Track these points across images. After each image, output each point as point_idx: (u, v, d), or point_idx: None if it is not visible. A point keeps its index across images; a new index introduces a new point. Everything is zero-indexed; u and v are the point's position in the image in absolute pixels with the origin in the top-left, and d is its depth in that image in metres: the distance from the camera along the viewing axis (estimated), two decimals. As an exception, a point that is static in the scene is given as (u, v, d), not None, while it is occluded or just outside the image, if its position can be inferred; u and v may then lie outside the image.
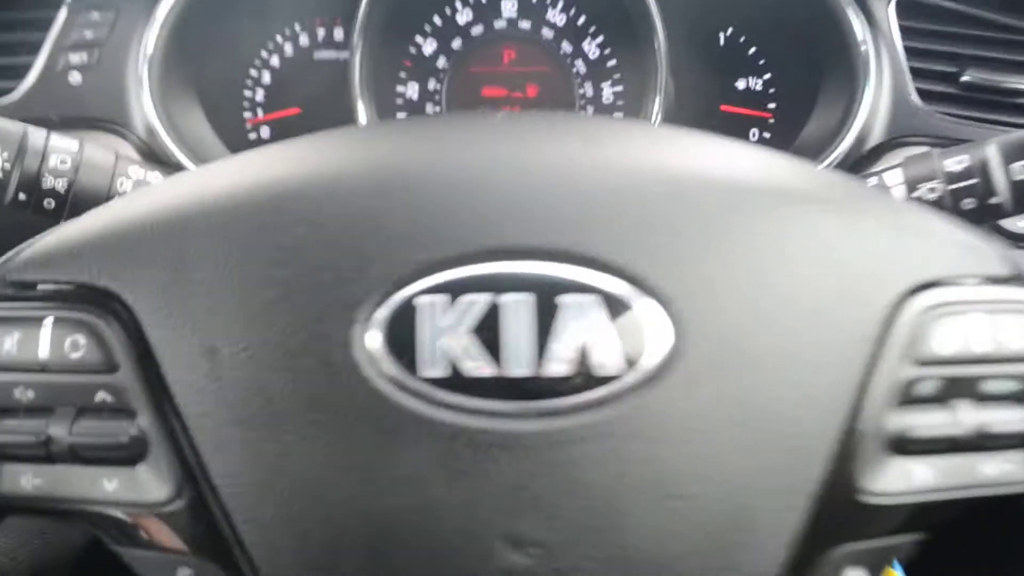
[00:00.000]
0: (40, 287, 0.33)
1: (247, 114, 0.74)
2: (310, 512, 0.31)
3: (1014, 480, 0.33)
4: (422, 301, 0.30)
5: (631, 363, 0.30)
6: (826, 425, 0.31)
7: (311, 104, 0.76)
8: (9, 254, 0.35)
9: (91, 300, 0.33)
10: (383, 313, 0.31)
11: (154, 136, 0.65)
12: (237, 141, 0.74)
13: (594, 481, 0.30)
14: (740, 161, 0.35)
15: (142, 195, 0.35)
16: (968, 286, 0.33)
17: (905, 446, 0.32)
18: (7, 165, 0.47)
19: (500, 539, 0.31)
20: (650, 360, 0.31)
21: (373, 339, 0.31)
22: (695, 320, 0.31)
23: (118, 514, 0.33)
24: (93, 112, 0.64)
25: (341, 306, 0.31)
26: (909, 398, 0.32)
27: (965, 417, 0.32)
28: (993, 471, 0.32)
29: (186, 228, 0.32)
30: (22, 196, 0.48)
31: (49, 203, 0.48)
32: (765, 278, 0.31)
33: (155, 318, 0.32)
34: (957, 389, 0.32)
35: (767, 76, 0.76)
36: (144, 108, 0.65)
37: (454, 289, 0.30)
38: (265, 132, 0.76)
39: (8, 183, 0.47)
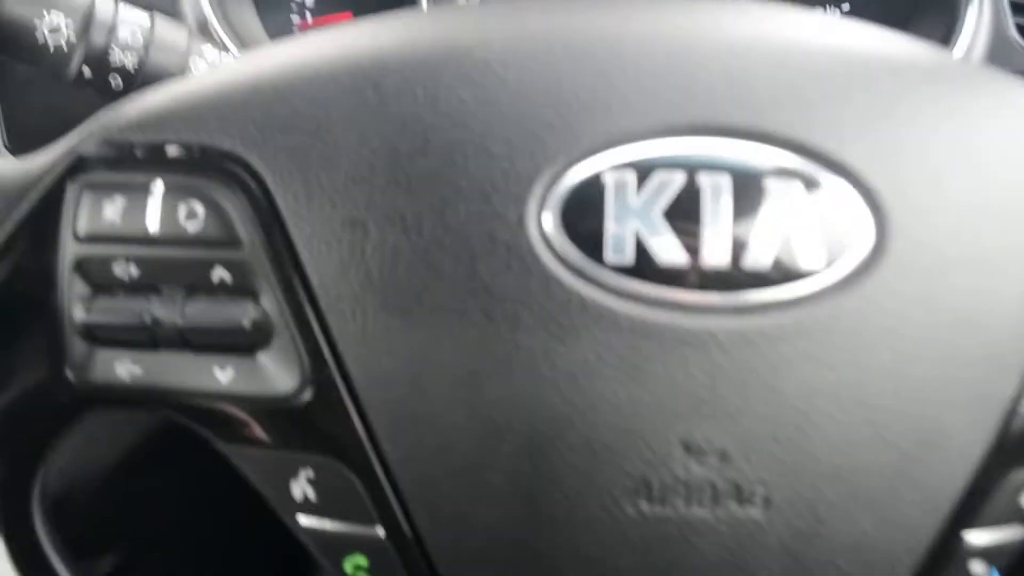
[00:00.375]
0: (148, 150, 0.29)
1: (295, 17, 0.69)
2: (460, 409, 0.28)
3: None
4: (609, 176, 0.27)
5: (832, 259, 0.27)
6: (1021, 334, 0.29)
7: (363, 7, 0.71)
8: (105, 113, 0.31)
9: (210, 166, 0.29)
10: (563, 189, 0.27)
11: (206, 29, 0.60)
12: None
13: (785, 387, 0.27)
14: (920, 48, 0.31)
15: (265, 54, 0.31)
16: None
17: None
18: (72, 36, 0.42)
19: (677, 445, 0.27)
20: (853, 257, 0.27)
21: (550, 218, 0.27)
22: (901, 216, 0.28)
23: (231, 408, 0.29)
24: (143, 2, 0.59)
25: (515, 179, 0.27)
26: None
27: None
28: None
29: (328, 85, 0.28)
30: (87, 72, 0.43)
31: (116, 81, 0.43)
32: (971, 173, 0.28)
33: (289, 186, 0.28)
34: None
35: (846, 7, 0.73)
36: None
37: (644, 165, 0.27)
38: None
39: (72, 56, 0.42)
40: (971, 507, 0.30)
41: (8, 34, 0.41)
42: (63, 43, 0.42)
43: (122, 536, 0.43)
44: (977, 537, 0.30)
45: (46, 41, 0.41)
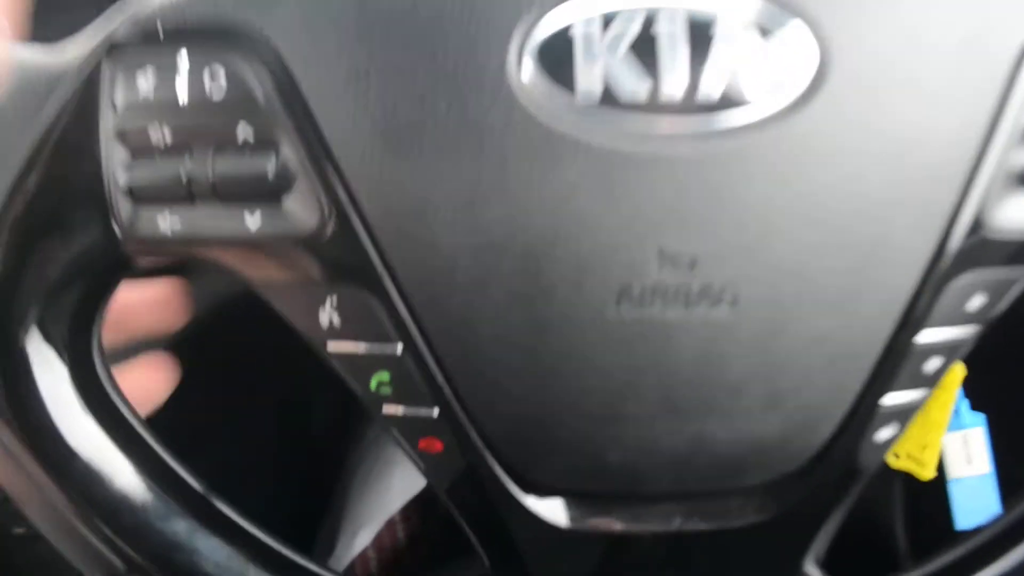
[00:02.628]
0: (173, 28, 0.33)
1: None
2: (461, 233, 0.32)
3: None
4: (577, 24, 0.30)
5: (779, 86, 0.31)
6: (961, 153, 0.32)
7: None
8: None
9: (230, 37, 0.32)
10: (538, 36, 0.30)
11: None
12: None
13: (744, 201, 0.31)
14: None
15: None
16: None
17: None
18: None
19: (653, 253, 0.31)
20: (798, 84, 0.31)
21: (529, 62, 0.31)
22: (841, 40, 0.31)
23: (262, 249, 0.33)
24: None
25: (495, 29, 0.30)
26: None
27: None
28: None
29: None
30: None
31: None
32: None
33: (298, 47, 0.32)
34: None
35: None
36: None
37: (609, 11, 0.30)
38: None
39: None
40: (921, 308, 0.33)
41: None
42: None
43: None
44: (929, 336, 0.34)
45: None
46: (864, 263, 0.32)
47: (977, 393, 0.58)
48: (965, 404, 0.58)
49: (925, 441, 0.53)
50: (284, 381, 0.74)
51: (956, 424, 0.57)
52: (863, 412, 0.35)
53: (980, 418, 0.57)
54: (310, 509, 0.76)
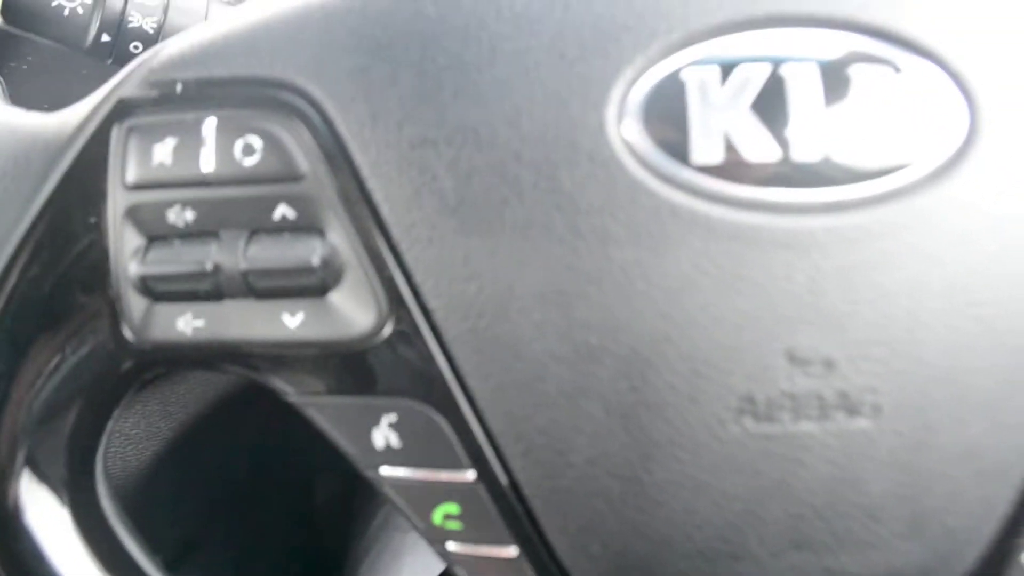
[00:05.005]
0: (197, 86, 0.28)
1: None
2: (550, 334, 0.26)
3: None
4: (690, 74, 0.25)
5: (927, 149, 0.26)
6: None
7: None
8: (146, 54, 0.29)
9: (265, 97, 0.27)
10: (643, 90, 0.25)
11: None
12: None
13: (889, 286, 0.26)
14: None
15: None
16: None
17: None
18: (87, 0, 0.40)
19: (781, 356, 0.26)
20: (948, 145, 0.26)
21: (632, 121, 0.25)
22: (993, 99, 0.26)
23: (304, 356, 0.28)
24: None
25: (591, 83, 0.25)
26: None
27: None
28: None
29: (381, 4, 0.27)
30: (105, 37, 0.41)
31: (136, 47, 0.42)
32: None
33: (351, 110, 0.26)
34: None
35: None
36: None
37: (726, 60, 0.26)
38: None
39: (90, 23, 0.41)
40: None
41: (23, 3, 0.40)
42: (79, 7, 0.40)
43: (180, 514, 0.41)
44: None
45: (61, 5, 0.40)
46: (1022, 358, 0.27)
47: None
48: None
49: None
50: (286, 463, 0.68)
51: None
52: (1012, 533, 0.29)
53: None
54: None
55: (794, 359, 0.26)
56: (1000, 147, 0.26)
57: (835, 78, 0.26)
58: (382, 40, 0.26)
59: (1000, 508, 0.29)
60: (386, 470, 0.28)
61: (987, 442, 0.28)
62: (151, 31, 0.41)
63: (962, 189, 0.26)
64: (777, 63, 0.26)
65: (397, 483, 0.28)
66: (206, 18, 0.43)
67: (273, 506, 0.71)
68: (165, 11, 0.42)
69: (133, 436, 0.52)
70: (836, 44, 0.26)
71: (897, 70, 0.26)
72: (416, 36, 0.26)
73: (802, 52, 0.26)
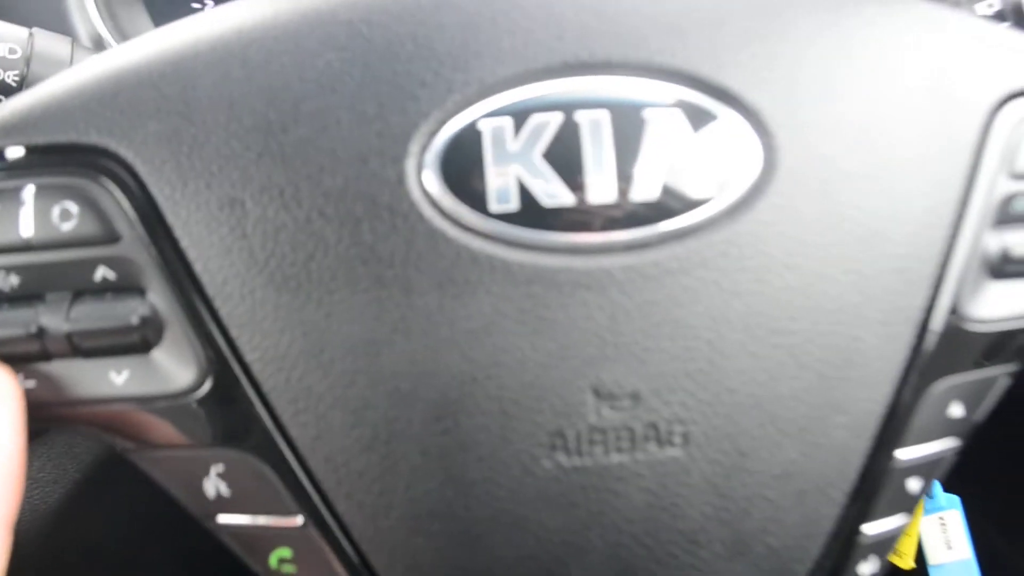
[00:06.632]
0: (11, 154, 0.28)
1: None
2: (362, 381, 0.27)
3: None
4: (485, 125, 0.26)
5: (722, 186, 0.27)
6: (928, 245, 0.28)
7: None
8: None
9: (80, 162, 0.28)
10: (440, 143, 0.26)
11: (101, 46, 0.58)
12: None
13: (690, 320, 0.27)
14: None
15: (124, 46, 0.30)
16: None
17: (1005, 268, 0.29)
18: None
19: (587, 392, 0.27)
20: (743, 180, 0.27)
21: (431, 174, 0.26)
22: (787, 134, 0.27)
23: (132, 411, 0.28)
24: (33, 22, 0.57)
25: (390, 138, 0.26)
26: (1008, 216, 0.29)
27: None
28: None
29: (193, 65, 0.27)
30: None
31: None
32: (857, 86, 0.28)
33: (162, 172, 0.27)
34: None
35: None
36: (89, 14, 0.58)
37: (519, 110, 0.26)
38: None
39: None
40: (898, 424, 0.29)
41: None
42: None
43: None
44: (908, 453, 0.30)
45: None
46: (830, 380, 0.28)
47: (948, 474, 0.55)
48: (938, 486, 0.55)
49: (901, 530, 0.50)
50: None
51: (932, 507, 0.53)
52: (841, 548, 0.30)
53: (955, 500, 0.54)
54: None
55: (600, 394, 0.27)
56: (795, 181, 0.27)
57: (628, 122, 0.26)
58: (191, 103, 0.27)
59: (824, 525, 0.30)
60: (222, 518, 0.28)
61: (804, 464, 0.29)
62: (14, 84, 0.42)
63: (759, 223, 0.27)
64: (570, 110, 0.26)
65: (232, 531, 0.29)
66: (71, 64, 0.43)
67: (191, 542, 0.71)
68: (28, 63, 0.42)
69: (40, 480, 0.52)
70: (629, 89, 0.27)
71: (689, 111, 0.27)
72: (223, 99, 0.27)
73: (595, 98, 0.27)
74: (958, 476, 0.54)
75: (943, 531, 0.52)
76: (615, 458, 0.27)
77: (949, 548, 0.52)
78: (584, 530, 0.28)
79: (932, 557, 0.55)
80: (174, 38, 0.29)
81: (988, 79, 0.29)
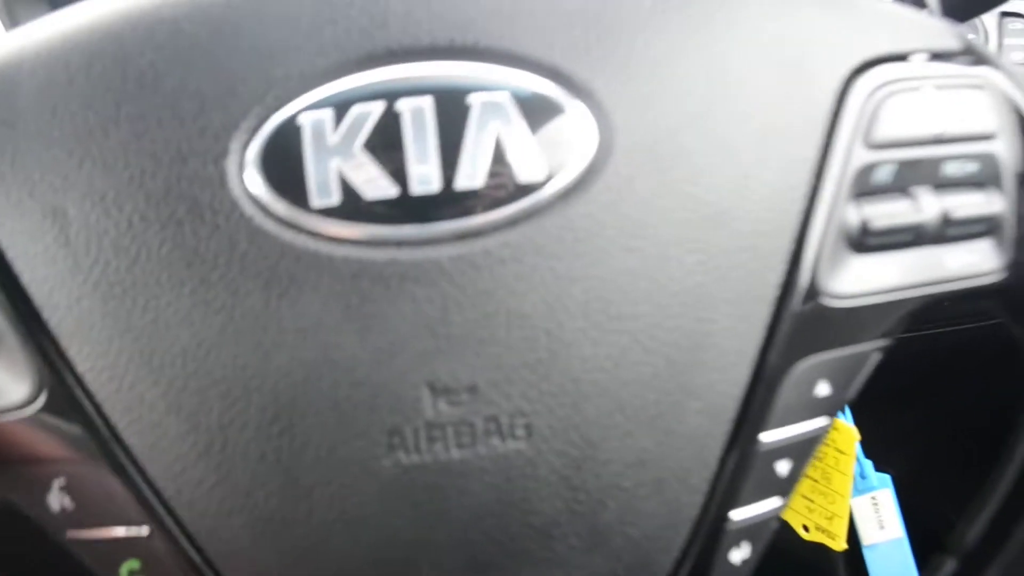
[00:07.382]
0: None
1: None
2: (194, 386, 0.26)
3: (979, 271, 0.30)
4: (305, 119, 0.26)
5: (555, 168, 0.26)
6: (780, 221, 0.28)
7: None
8: None
9: None
10: (261, 139, 0.26)
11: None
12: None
13: (527, 309, 0.26)
14: None
15: None
16: (917, 62, 0.30)
17: (866, 241, 0.29)
18: None
19: (423, 388, 0.26)
20: (577, 163, 0.26)
21: (252, 171, 0.26)
22: (623, 114, 0.27)
23: None
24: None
25: (210, 136, 0.26)
26: (866, 188, 0.29)
27: (926, 204, 0.29)
28: (957, 263, 0.30)
29: (14, 74, 0.27)
30: None
31: None
32: (699, 61, 0.27)
33: None
34: (915, 174, 0.29)
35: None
36: None
37: (340, 101, 0.26)
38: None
39: None
40: (759, 407, 0.29)
41: None
42: None
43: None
44: (774, 436, 0.29)
45: None
46: (680, 365, 0.28)
47: (878, 453, 0.54)
48: (869, 465, 0.54)
49: (831, 511, 0.49)
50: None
51: (863, 487, 0.53)
52: (708, 536, 0.30)
53: (886, 479, 0.53)
54: None
55: (436, 389, 0.26)
56: (633, 161, 0.27)
57: (452, 108, 0.26)
58: (15, 110, 0.26)
59: (687, 513, 0.29)
60: (70, 533, 0.28)
61: (659, 452, 0.28)
62: None
63: (594, 206, 0.26)
64: (392, 98, 0.26)
65: (81, 544, 0.28)
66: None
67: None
68: None
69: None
70: (454, 74, 0.26)
71: (518, 94, 0.26)
72: (46, 105, 0.26)
73: (418, 84, 0.26)
74: (890, 454, 0.53)
75: (875, 511, 0.52)
76: (456, 454, 0.27)
77: (881, 528, 0.52)
78: (430, 529, 0.27)
79: (865, 537, 0.55)
80: (2, 46, 0.28)
81: (841, 48, 0.29)
